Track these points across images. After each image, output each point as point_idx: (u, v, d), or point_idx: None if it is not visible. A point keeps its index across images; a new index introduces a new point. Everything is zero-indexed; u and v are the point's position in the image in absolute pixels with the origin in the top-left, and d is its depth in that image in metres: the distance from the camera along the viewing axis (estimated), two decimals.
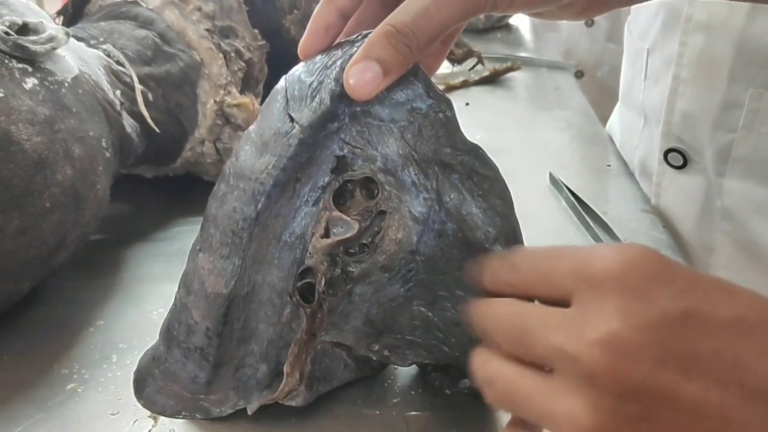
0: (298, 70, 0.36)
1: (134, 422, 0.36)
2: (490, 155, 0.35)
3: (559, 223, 0.60)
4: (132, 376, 0.39)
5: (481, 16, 1.38)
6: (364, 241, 0.35)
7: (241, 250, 0.34)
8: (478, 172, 0.35)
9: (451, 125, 0.35)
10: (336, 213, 0.34)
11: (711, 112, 0.56)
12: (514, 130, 0.83)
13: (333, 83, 0.33)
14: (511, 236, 0.35)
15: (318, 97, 0.34)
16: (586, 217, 0.59)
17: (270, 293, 0.35)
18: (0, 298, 0.41)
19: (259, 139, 0.34)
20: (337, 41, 0.36)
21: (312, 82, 0.34)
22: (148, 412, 0.37)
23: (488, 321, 0.30)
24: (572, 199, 0.62)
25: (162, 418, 0.36)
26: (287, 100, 0.34)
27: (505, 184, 0.36)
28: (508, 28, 1.33)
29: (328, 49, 0.36)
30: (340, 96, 0.33)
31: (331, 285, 0.35)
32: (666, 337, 0.24)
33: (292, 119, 0.34)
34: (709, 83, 0.56)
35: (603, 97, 1.16)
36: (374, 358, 0.37)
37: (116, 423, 0.36)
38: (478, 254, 0.34)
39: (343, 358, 0.38)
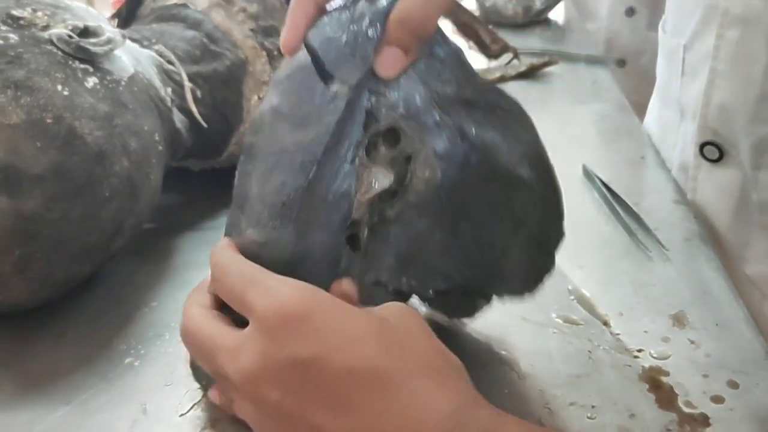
0: (319, 33, 0.37)
1: (185, 393, 0.40)
2: None
3: (592, 214, 0.61)
4: (183, 351, 0.42)
5: (519, 11, 1.39)
6: (395, 186, 0.37)
7: (292, 219, 0.36)
8: (501, 107, 0.37)
9: (469, 69, 0.37)
10: (373, 167, 0.36)
11: (747, 105, 0.56)
12: (549, 123, 0.83)
13: (370, 30, 0.35)
14: (537, 159, 0.36)
15: (358, 54, 0.36)
16: (618, 209, 0.60)
17: (321, 251, 0.37)
18: (65, 279, 0.45)
19: (294, 113, 0.36)
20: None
21: (346, 39, 0.36)
22: (198, 385, 0.40)
23: (184, 331, 0.36)
24: (604, 190, 0.63)
25: None
26: (324, 64, 0.36)
27: (528, 116, 0.37)
28: (546, 22, 1.33)
29: (334, 9, 0.37)
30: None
31: (372, 232, 0.37)
32: (289, 375, 0.30)
33: (333, 81, 0.36)
34: (745, 76, 0.56)
35: (645, 85, 1.16)
36: (404, 290, 0.38)
37: (170, 393, 0.40)
38: (503, 179, 0.36)
39: (383, 297, 0.38)
